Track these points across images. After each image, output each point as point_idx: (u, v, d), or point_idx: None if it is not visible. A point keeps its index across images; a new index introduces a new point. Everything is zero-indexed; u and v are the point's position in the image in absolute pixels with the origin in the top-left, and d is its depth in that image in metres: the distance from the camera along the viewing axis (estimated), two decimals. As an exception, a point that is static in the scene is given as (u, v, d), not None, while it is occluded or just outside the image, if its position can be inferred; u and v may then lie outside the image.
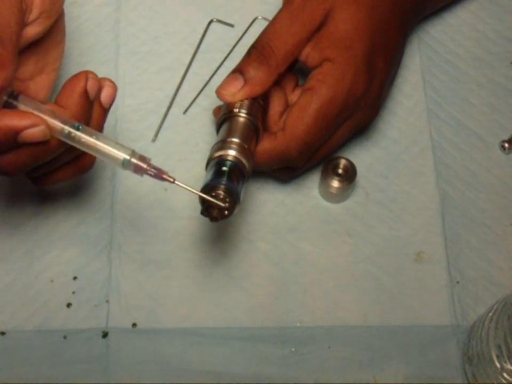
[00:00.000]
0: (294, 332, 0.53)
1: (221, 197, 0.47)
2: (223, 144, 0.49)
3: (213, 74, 0.61)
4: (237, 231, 0.56)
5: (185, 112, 0.60)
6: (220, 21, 0.64)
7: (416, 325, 0.54)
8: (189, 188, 0.46)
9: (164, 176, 0.46)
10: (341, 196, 0.57)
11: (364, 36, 0.52)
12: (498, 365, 0.48)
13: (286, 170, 0.56)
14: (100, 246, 0.55)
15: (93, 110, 0.48)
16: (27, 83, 0.49)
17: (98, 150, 0.46)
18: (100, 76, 0.60)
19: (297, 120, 0.51)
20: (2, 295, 0.53)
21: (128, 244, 0.55)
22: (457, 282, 0.55)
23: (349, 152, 0.58)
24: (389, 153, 0.59)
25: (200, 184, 0.57)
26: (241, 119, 0.51)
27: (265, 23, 0.62)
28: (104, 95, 0.48)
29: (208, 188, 0.47)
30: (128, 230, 0.56)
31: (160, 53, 0.62)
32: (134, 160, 0.46)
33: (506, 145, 0.60)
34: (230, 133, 0.50)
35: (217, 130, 0.52)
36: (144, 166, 0.46)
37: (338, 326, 0.54)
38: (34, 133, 0.44)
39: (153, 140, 0.59)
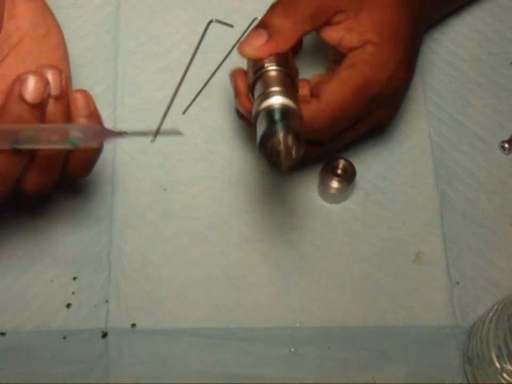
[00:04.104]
0: (293, 332, 0.53)
1: (288, 141, 0.45)
2: (264, 96, 0.48)
3: (213, 75, 0.61)
4: (236, 232, 0.56)
5: (184, 112, 0.60)
6: (219, 21, 0.64)
7: (415, 325, 0.54)
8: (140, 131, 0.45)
9: (113, 133, 0.44)
10: (340, 196, 0.57)
11: (403, 27, 0.51)
12: (498, 366, 0.48)
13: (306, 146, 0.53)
14: (99, 246, 0.55)
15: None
16: None
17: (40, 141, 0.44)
18: (99, 75, 0.61)
19: (335, 91, 0.50)
20: (2, 295, 0.53)
21: (127, 244, 0.55)
22: (457, 282, 0.55)
23: (348, 152, 0.58)
24: (389, 154, 0.59)
25: (203, 183, 0.58)
26: (274, 73, 0.49)
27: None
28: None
29: (268, 135, 0.45)
30: (128, 230, 0.56)
31: (160, 53, 0.62)
32: (80, 135, 0.44)
33: (506, 145, 0.60)
34: (267, 86, 0.48)
35: (252, 93, 0.50)
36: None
37: (337, 326, 0.54)
38: None
39: (153, 140, 0.59)
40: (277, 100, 0.47)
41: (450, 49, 0.64)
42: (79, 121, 0.46)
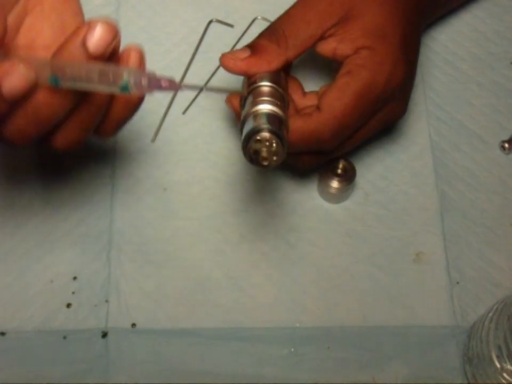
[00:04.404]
0: (293, 332, 0.53)
1: (269, 138, 0.46)
2: (252, 105, 0.48)
3: (213, 75, 0.61)
4: (236, 232, 0.56)
5: (184, 112, 0.60)
6: (219, 21, 0.64)
7: (415, 325, 0.54)
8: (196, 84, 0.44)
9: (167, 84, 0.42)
10: (340, 196, 0.57)
11: (396, 27, 0.51)
12: (498, 365, 0.48)
13: (312, 155, 0.54)
14: (99, 246, 0.55)
15: None
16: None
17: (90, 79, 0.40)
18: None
19: (335, 101, 0.50)
20: (2, 295, 0.53)
21: (127, 244, 0.55)
22: (457, 282, 0.55)
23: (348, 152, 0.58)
24: (388, 154, 0.59)
25: (203, 183, 0.58)
26: (265, 88, 0.49)
27: (265, 23, 0.62)
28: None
29: (251, 133, 0.46)
30: (128, 230, 0.56)
31: (160, 52, 0.62)
32: (134, 80, 0.41)
33: (506, 145, 0.60)
34: (256, 97, 0.49)
35: (242, 107, 0.51)
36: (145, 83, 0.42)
37: (337, 326, 0.54)
38: (15, 79, 0.39)
39: (153, 140, 0.59)
40: (264, 106, 0.48)
41: (450, 48, 0.64)
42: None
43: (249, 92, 0.50)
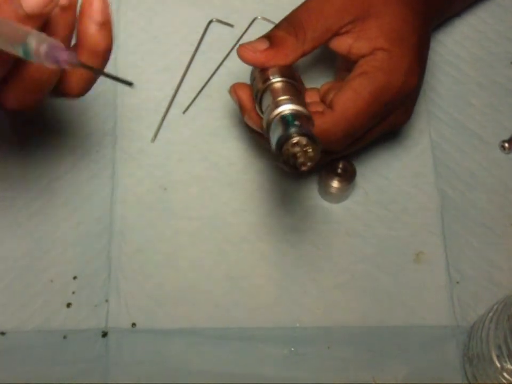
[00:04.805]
0: (293, 332, 0.53)
1: (304, 143, 0.45)
2: (274, 105, 0.48)
3: (213, 75, 0.61)
4: (236, 232, 0.56)
5: (184, 112, 0.60)
6: (219, 21, 0.64)
7: (415, 325, 0.54)
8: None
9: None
10: (340, 196, 0.57)
11: (413, 30, 0.51)
12: (498, 365, 0.48)
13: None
14: (99, 245, 0.55)
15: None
16: None
17: None
18: (99, 75, 0.61)
19: (349, 102, 0.50)
20: (2, 295, 0.53)
21: (127, 244, 0.55)
22: (457, 282, 0.55)
23: (349, 152, 0.58)
24: (389, 154, 0.59)
25: (203, 183, 0.58)
26: (280, 84, 0.49)
27: (265, 23, 0.62)
28: None
29: (284, 139, 0.45)
30: (128, 230, 0.56)
31: (160, 52, 0.62)
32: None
33: (506, 145, 0.60)
34: (276, 96, 0.48)
35: (259, 105, 0.50)
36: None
37: (337, 326, 0.54)
38: None
39: (153, 140, 0.59)
40: (287, 107, 0.47)
41: (451, 49, 0.64)
42: (89, 28, 0.41)
43: (264, 88, 0.49)
